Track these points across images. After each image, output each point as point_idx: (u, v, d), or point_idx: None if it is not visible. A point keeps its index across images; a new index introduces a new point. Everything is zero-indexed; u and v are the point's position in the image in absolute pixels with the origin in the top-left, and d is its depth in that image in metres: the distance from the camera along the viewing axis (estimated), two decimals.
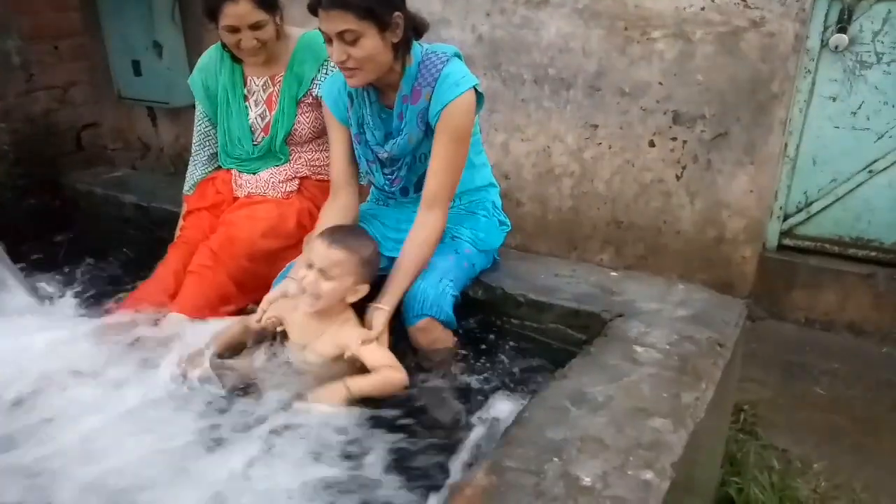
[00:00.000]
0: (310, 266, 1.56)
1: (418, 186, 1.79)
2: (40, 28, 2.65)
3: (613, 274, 1.86)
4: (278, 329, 1.66)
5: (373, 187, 1.97)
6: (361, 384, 1.53)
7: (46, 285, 2.17)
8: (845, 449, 1.98)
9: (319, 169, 2.11)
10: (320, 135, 2.07)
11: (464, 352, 1.75)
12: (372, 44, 1.56)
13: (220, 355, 1.65)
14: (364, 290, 1.60)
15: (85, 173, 2.77)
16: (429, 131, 1.71)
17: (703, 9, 2.41)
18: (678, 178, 2.62)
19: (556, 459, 1.14)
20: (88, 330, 1.82)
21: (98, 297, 2.07)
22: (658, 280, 1.84)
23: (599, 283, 1.80)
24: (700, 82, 2.48)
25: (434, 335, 1.66)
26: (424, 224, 1.70)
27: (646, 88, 2.57)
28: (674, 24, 2.46)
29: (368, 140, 1.78)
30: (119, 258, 2.41)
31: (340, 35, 1.55)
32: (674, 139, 2.58)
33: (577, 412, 1.27)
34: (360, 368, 1.58)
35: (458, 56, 1.73)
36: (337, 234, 1.59)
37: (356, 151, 1.84)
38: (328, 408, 1.48)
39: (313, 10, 1.57)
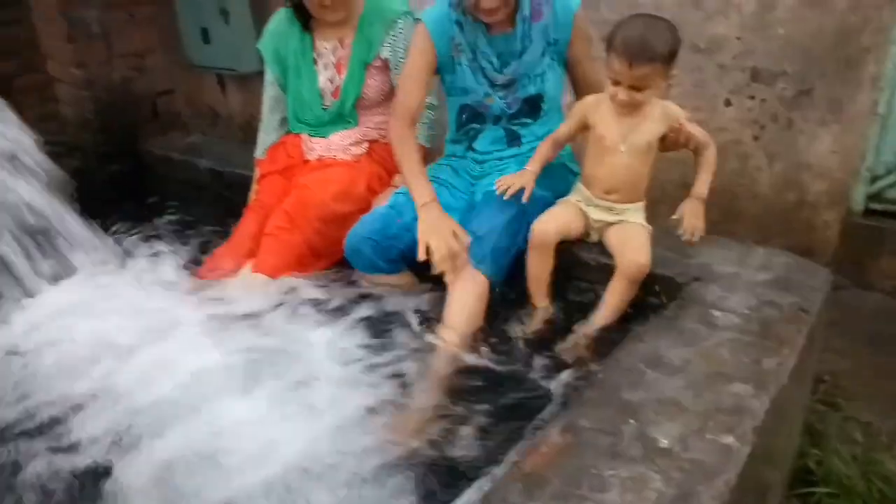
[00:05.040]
0: (616, 83, 1.52)
1: (530, 110, 1.84)
2: None
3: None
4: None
5: (450, 144, 1.98)
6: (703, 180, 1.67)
7: (128, 247, 2.29)
8: None
9: (387, 132, 2.11)
10: (388, 98, 2.07)
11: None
12: None
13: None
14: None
15: (161, 140, 2.87)
16: (547, 48, 1.78)
17: None
18: (756, 139, 2.51)
19: (632, 421, 1.14)
20: (174, 291, 1.93)
21: (180, 258, 2.16)
22: (735, 244, 1.78)
23: (674, 245, 1.75)
24: (781, 36, 2.35)
25: None
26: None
27: (722, 44, 2.45)
28: None
29: (484, 67, 1.79)
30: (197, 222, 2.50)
31: None
32: (752, 98, 2.46)
33: (653, 375, 1.25)
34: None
35: None
36: (633, 44, 1.46)
37: (467, 85, 1.82)
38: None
39: None
